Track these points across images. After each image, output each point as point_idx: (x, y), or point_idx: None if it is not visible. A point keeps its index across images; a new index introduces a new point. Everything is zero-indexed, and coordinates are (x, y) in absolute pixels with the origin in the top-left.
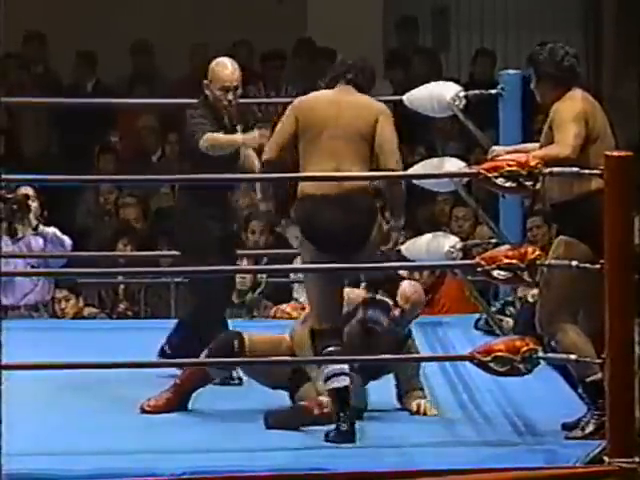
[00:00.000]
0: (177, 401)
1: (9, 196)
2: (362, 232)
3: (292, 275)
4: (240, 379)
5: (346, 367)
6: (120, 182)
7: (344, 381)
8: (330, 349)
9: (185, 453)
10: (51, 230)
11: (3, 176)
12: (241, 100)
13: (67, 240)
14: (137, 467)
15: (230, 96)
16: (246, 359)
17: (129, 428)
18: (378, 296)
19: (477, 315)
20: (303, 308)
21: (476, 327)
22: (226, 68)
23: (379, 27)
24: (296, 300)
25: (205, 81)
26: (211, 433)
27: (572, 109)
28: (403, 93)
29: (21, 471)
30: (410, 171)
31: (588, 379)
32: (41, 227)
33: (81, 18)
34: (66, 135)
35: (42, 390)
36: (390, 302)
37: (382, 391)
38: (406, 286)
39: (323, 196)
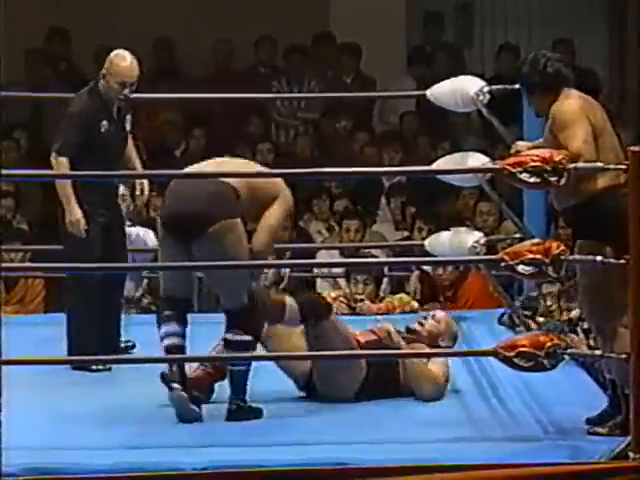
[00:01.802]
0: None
1: None
2: (199, 219)
3: (316, 270)
4: None
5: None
6: (132, 177)
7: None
8: (166, 313)
9: (206, 447)
10: (134, 230)
11: (3, 172)
12: (265, 95)
13: (150, 239)
14: (159, 461)
15: (126, 91)
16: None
17: (149, 422)
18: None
19: (501, 310)
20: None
21: (500, 322)
22: (126, 62)
23: (402, 22)
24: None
25: (102, 71)
26: (231, 427)
27: (571, 109)
28: (426, 89)
29: (40, 465)
30: (434, 166)
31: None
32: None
33: (104, 14)
34: None
35: (56, 385)
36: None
37: None
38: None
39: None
